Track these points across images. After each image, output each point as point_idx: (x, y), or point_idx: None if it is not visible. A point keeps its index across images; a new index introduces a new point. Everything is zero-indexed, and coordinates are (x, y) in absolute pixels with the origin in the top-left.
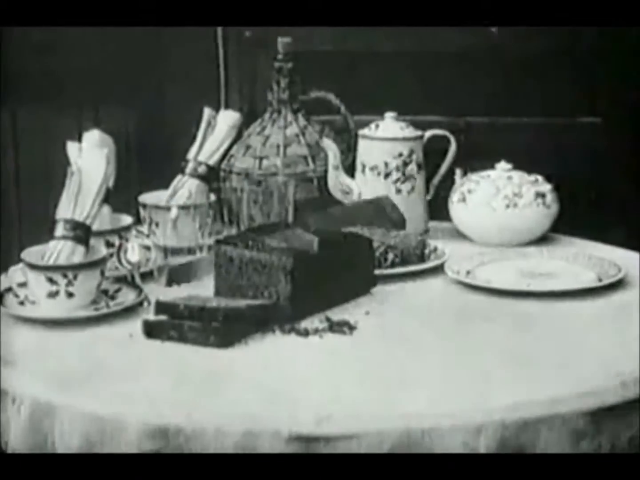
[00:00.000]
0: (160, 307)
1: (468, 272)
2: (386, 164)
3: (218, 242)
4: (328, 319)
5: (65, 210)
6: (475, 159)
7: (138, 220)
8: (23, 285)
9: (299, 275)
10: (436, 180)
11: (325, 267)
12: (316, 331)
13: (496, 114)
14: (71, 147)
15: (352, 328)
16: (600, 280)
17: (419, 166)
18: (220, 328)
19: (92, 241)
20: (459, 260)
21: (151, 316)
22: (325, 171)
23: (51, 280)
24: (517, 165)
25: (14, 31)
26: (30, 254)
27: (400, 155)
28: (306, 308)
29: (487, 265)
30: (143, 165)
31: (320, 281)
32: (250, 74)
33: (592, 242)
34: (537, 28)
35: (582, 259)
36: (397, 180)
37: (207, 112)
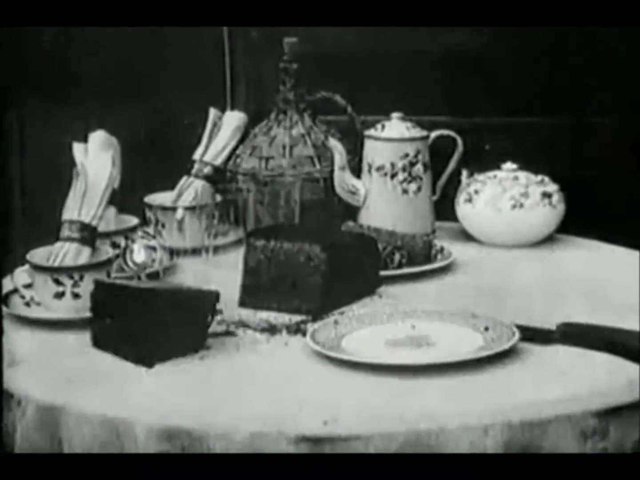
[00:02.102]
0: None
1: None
2: (392, 165)
3: (249, 234)
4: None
5: (71, 211)
6: (482, 159)
7: (144, 221)
8: (29, 286)
9: (330, 268)
10: (442, 180)
11: (348, 264)
12: None
13: (502, 114)
14: (77, 148)
15: None
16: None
17: (425, 166)
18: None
19: (98, 242)
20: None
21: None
22: (332, 172)
23: (57, 282)
24: (524, 166)
25: (17, 31)
26: (36, 255)
27: (407, 155)
28: (331, 304)
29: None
30: (149, 166)
31: (340, 277)
32: (256, 74)
33: (599, 242)
34: (544, 28)
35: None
36: (404, 180)
37: (212, 112)
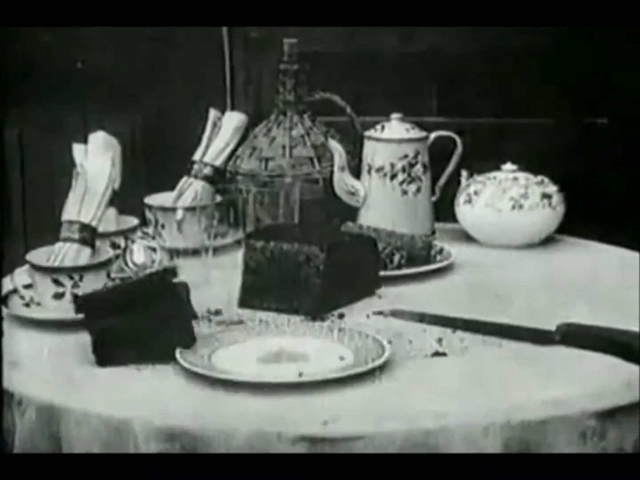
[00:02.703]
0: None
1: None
2: (392, 166)
3: (249, 235)
4: (334, 322)
5: (71, 212)
6: (481, 160)
7: (144, 222)
8: (28, 286)
9: (329, 269)
10: (442, 181)
11: (347, 264)
12: None
13: (502, 115)
14: (77, 149)
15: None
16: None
17: (425, 167)
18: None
19: (98, 243)
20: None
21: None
22: (331, 172)
23: (57, 282)
24: (523, 167)
25: (17, 32)
26: (36, 255)
27: (406, 156)
28: (330, 305)
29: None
30: (149, 167)
31: (339, 278)
32: (256, 75)
33: (599, 243)
34: (543, 28)
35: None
36: (403, 181)
37: (212, 113)
